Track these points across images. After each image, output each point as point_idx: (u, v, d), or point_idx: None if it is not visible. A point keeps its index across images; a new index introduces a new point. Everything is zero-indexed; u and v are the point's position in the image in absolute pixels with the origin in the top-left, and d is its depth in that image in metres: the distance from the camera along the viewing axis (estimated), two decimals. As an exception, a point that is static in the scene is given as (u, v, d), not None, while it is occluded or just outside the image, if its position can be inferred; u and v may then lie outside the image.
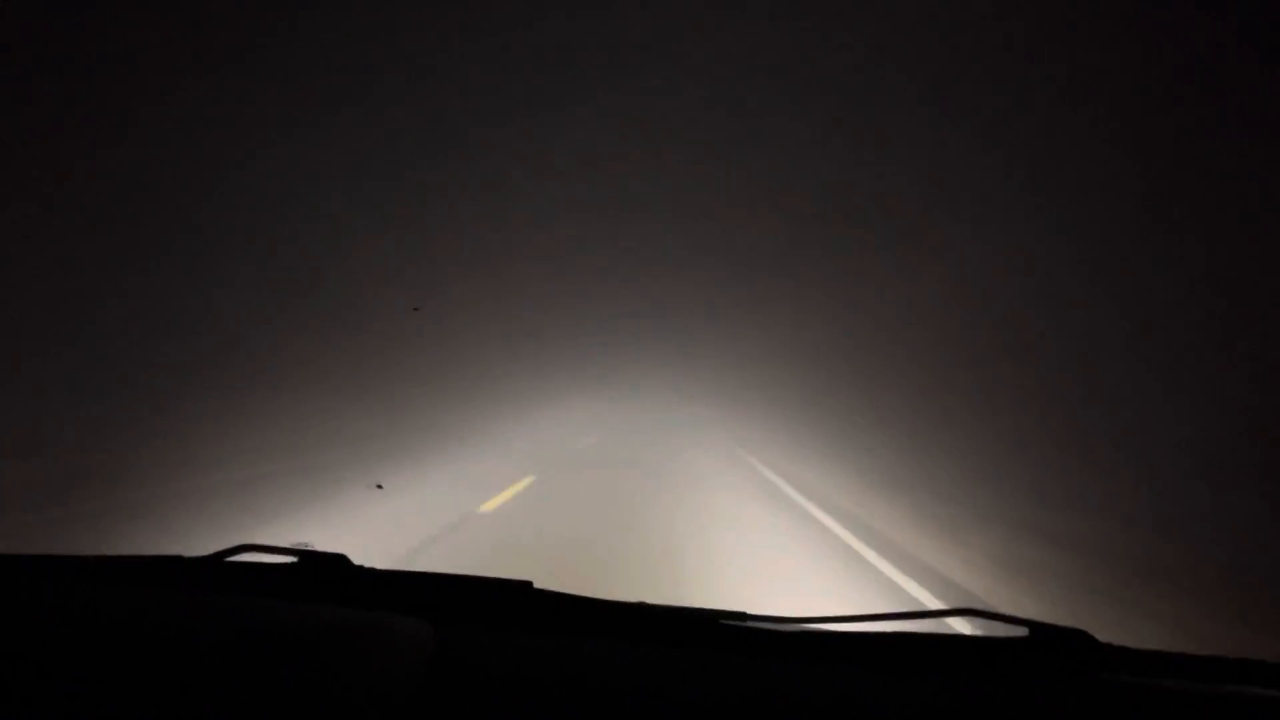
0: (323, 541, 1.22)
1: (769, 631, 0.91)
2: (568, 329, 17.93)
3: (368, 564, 1.05)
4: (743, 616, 0.95)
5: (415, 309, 9.78)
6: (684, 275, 12.97)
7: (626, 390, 32.34)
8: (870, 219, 7.47)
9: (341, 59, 5.22)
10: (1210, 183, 3.73)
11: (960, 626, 3.27)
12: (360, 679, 0.70)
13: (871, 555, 5.32)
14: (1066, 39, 3.80)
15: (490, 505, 6.84)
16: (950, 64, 4.46)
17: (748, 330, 16.18)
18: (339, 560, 1.05)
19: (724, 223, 9.34)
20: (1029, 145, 4.77)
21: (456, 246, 9.56)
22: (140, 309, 6.29)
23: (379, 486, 6.66)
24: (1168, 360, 4.56)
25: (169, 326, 6.65)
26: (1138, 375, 4.86)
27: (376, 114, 6.08)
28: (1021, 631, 0.85)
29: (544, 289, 13.34)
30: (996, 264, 6.37)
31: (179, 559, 1.08)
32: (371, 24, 4.86)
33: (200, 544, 1.25)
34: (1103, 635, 0.81)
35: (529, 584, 0.97)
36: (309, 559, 1.05)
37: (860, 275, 9.08)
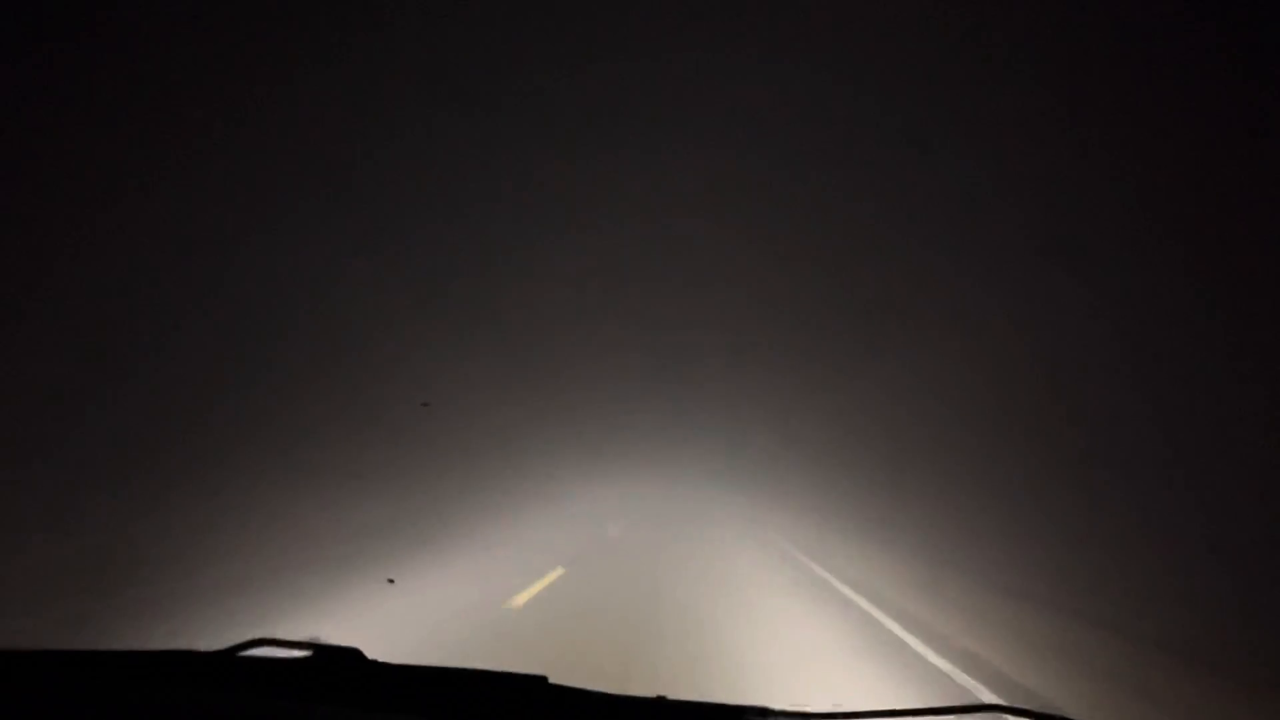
0: (335, 634, 1.21)
1: None
2: (599, 419, 17.56)
3: (383, 658, 1.04)
4: (766, 713, 0.92)
5: (424, 405, 9.70)
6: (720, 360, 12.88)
7: (667, 484, 30.60)
8: (890, 292, 7.48)
9: (357, 148, 5.43)
10: (1240, 232, 3.69)
11: None
12: None
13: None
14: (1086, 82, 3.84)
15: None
16: (968, 114, 4.52)
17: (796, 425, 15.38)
18: (353, 654, 1.03)
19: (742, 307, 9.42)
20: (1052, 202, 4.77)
21: (469, 330, 9.66)
22: (142, 406, 6.35)
23: (390, 581, 6.59)
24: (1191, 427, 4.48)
25: (171, 424, 6.70)
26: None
27: (385, 203, 6.26)
28: None
29: (570, 374, 13.29)
30: (1012, 332, 6.32)
31: (192, 654, 1.07)
32: (381, 115, 5.08)
33: (214, 639, 1.24)
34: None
35: (544, 679, 0.95)
36: (322, 653, 1.04)
37: (887, 353, 8.95)
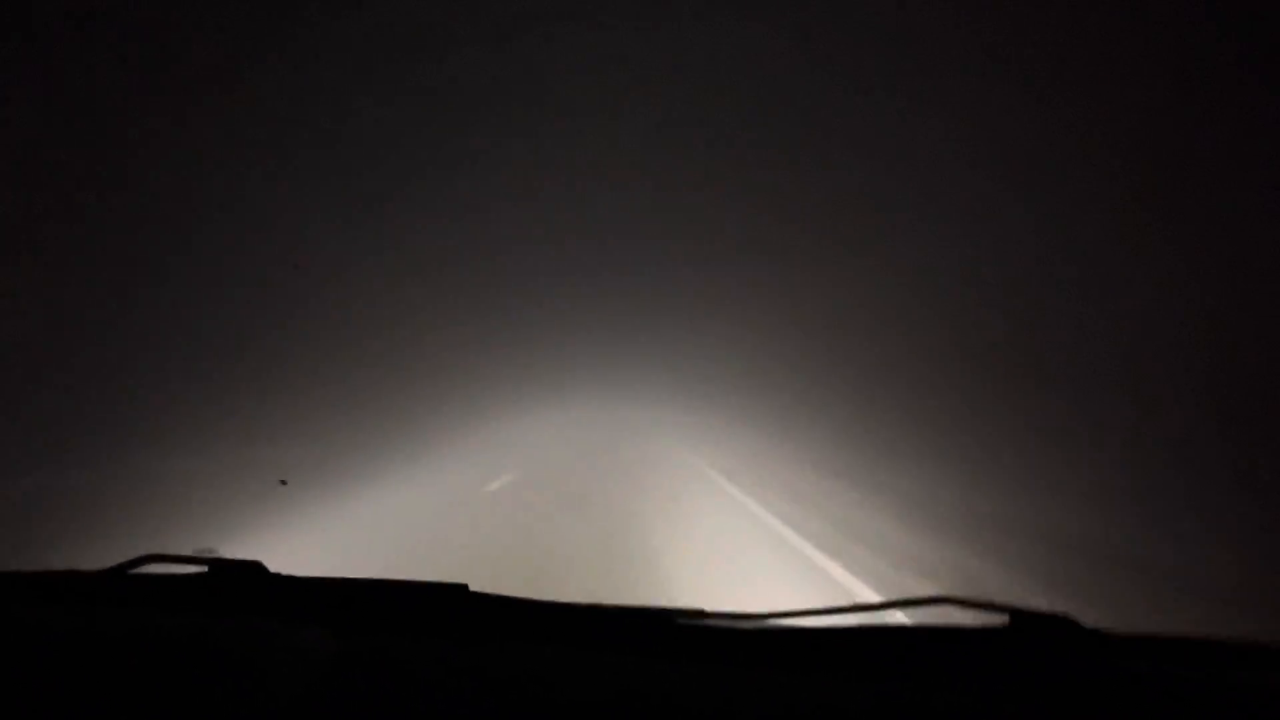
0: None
1: (730, 630, 0.83)
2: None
3: (289, 571, 0.96)
4: (701, 614, 0.88)
5: (296, 266, 9.28)
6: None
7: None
8: (841, 221, 7.49)
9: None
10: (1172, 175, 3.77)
11: (935, 617, 3.22)
12: (251, 694, 0.67)
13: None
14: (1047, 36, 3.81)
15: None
16: (925, 61, 4.45)
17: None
18: (253, 568, 0.95)
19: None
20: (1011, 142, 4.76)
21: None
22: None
23: (283, 482, 6.57)
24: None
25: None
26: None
27: (351, 136, 5.92)
28: (1001, 619, 0.79)
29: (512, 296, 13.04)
30: (959, 261, 6.41)
31: (75, 573, 0.98)
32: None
33: (97, 557, 1.14)
34: (1090, 621, 0.75)
35: (464, 587, 0.88)
36: (220, 567, 0.95)
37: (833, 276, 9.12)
